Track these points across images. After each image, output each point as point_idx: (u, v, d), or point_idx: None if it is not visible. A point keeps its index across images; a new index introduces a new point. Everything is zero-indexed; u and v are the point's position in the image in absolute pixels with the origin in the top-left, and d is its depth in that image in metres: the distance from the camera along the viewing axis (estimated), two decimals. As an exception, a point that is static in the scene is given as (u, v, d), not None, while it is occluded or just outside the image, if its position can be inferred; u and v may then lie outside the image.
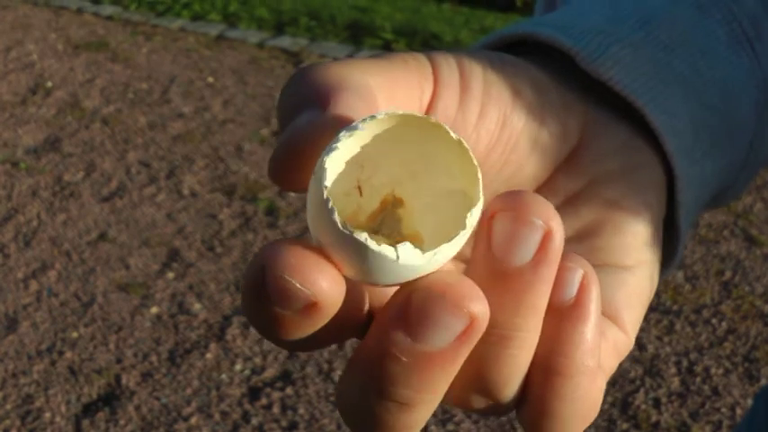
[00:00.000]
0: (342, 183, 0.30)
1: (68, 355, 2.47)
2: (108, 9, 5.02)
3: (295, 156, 0.30)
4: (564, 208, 0.38)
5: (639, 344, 2.46)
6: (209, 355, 2.45)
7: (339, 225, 0.27)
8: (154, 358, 2.45)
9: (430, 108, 0.35)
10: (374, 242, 0.27)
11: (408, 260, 0.27)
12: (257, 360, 2.42)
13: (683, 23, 0.43)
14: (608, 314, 0.36)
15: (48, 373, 2.41)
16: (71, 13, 4.98)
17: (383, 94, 0.33)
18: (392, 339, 0.28)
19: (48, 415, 2.28)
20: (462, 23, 4.64)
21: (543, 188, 0.39)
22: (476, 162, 0.29)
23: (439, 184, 0.31)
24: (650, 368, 2.39)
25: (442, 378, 0.29)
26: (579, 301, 0.30)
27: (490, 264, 0.29)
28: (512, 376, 0.31)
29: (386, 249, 0.27)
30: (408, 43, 4.37)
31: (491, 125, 0.36)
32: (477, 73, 0.37)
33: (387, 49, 4.33)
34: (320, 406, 2.26)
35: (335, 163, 0.29)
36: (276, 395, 2.32)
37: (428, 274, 0.28)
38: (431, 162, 0.31)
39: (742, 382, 2.34)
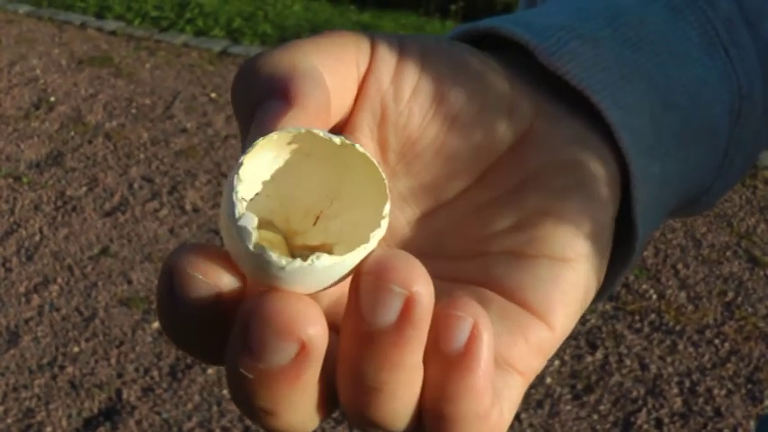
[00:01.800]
0: (308, 200, 0.32)
1: (69, 369, 2.46)
2: (112, 24, 5.03)
3: None
4: (508, 196, 0.37)
5: (642, 363, 2.46)
6: (210, 371, 2.45)
7: (248, 243, 0.28)
8: (155, 373, 2.45)
9: (364, 81, 0.36)
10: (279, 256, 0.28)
11: (293, 269, 0.28)
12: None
13: (654, 23, 0.42)
14: (537, 310, 0.35)
15: (49, 387, 2.40)
16: (75, 28, 4.99)
17: (327, 71, 0.33)
18: (239, 358, 0.29)
19: (48, 429, 2.28)
20: (465, 42, 4.65)
21: (487, 175, 0.38)
22: (368, 154, 0.30)
23: (350, 195, 0.32)
24: (652, 388, 2.38)
25: (294, 392, 0.30)
26: (468, 351, 0.30)
27: (356, 320, 0.29)
28: (393, 419, 0.31)
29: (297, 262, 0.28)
30: (411, 61, 4.38)
31: (426, 102, 0.36)
32: (417, 50, 0.36)
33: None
34: (321, 423, 2.25)
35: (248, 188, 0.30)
36: (277, 412, 2.31)
37: (269, 296, 0.29)
38: (333, 173, 0.32)
39: (745, 403, 2.33)
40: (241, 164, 0.29)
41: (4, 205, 3.25)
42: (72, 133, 3.78)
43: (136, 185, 3.37)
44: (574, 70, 0.39)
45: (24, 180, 3.41)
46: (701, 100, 0.42)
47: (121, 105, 4.04)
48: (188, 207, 3.21)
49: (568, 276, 0.36)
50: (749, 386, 2.39)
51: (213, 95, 4.13)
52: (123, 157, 3.58)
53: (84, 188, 3.35)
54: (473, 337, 0.30)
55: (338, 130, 0.36)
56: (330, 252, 0.31)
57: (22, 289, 2.78)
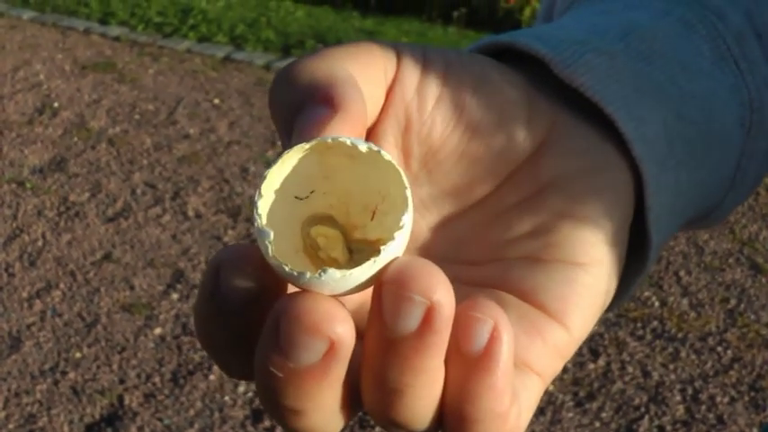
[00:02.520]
0: (365, 196, 0.33)
1: (71, 375, 2.46)
2: (115, 30, 5.04)
3: None
4: (525, 203, 0.38)
5: (644, 371, 2.46)
6: (212, 377, 2.45)
7: (269, 250, 0.30)
8: (157, 379, 2.45)
9: (390, 90, 0.37)
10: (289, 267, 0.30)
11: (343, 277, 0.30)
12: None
13: (666, 37, 0.43)
14: (553, 311, 0.36)
15: (51, 392, 2.40)
16: (78, 34, 5.00)
17: (359, 80, 0.34)
18: (269, 357, 0.30)
19: (50, 435, 2.28)
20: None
21: (505, 182, 0.39)
22: (394, 162, 0.31)
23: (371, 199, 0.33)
24: (655, 395, 2.38)
25: (321, 391, 0.31)
26: (488, 353, 0.31)
27: (379, 326, 0.30)
28: (415, 419, 0.32)
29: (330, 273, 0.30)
30: (414, 67, 4.38)
31: (448, 111, 0.37)
32: (440, 61, 0.37)
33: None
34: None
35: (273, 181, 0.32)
36: (279, 418, 2.31)
37: (299, 296, 0.30)
38: (360, 180, 0.33)
39: (747, 410, 2.33)
40: (264, 177, 0.31)
41: (8, 210, 3.25)
42: (75, 139, 3.79)
43: (138, 191, 3.37)
44: (588, 82, 0.40)
45: (27, 185, 3.41)
46: (712, 112, 0.43)
47: (125, 111, 4.04)
48: (190, 213, 3.22)
49: (584, 280, 0.37)
50: (752, 394, 2.39)
51: (216, 101, 4.13)
52: (126, 162, 3.59)
53: (87, 194, 3.36)
54: (493, 339, 0.31)
55: (365, 136, 0.37)
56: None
57: (24, 294, 2.79)
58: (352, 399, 0.33)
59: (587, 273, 0.37)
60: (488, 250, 0.38)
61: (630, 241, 0.39)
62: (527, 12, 4.98)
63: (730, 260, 2.93)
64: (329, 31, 4.88)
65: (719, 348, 2.54)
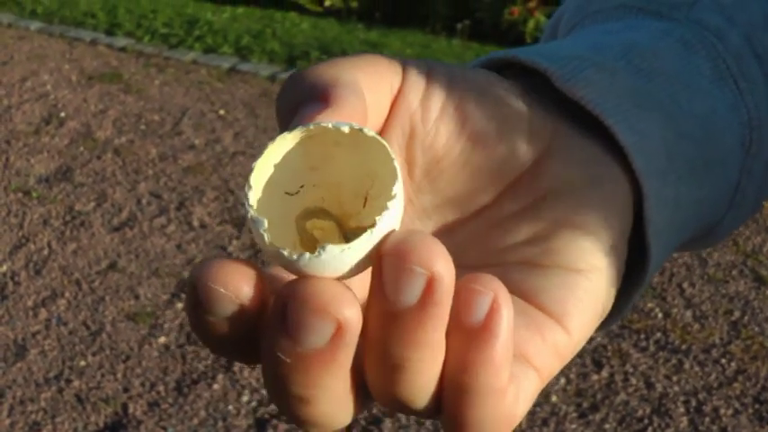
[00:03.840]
0: (355, 183, 0.33)
1: (76, 383, 2.47)
2: (122, 41, 5.06)
3: None
4: (525, 211, 0.39)
5: (648, 382, 2.46)
6: (216, 386, 2.45)
7: (265, 236, 0.30)
8: (161, 388, 2.45)
9: (395, 101, 0.37)
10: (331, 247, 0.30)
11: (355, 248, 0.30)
12: (264, 391, 2.42)
13: (667, 56, 0.44)
14: (554, 314, 0.36)
15: (55, 400, 2.41)
16: (85, 45, 5.02)
17: (365, 87, 0.35)
18: (276, 342, 0.30)
19: (54, 443, 2.28)
20: (472, 59, 4.64)
21: (506, 191, 0.39)
22: (378, 137, 0.31)
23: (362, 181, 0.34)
24: (658, 407, 2.38)
25: (329, 376, 0.31)
26: (487, 325, 0.31)
27: (380, 300, 0.30)
28: (417, 395, 0.32)
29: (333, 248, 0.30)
30: (419, 79, 4.39)
31: (451, 122, 0.38)
32: (444, 74, 0.38)
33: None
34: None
35: (260, 183, 0.32)
36: (283, 427, 2.31)
37: (305, 280, 0.30)
38: (352, 165, 0.33)
39: (752, 423, 2.33)
40: (252, 170, 0.31)
41: (14, 219, 3.26)
42: (81, 149, 3.80)
43: (144, 201, 3.38)
44: (589, 96, 0.40)
45: (34, 195, 3.43)
46: (712, 131, 0.43)
47: (130, 121, 4.06)
48: (195, 223, 3.22)
49: (583, 284, 0.37)
50: (756, 406, 2.39)
51: (222, 112, 4.15)
52: (132, 172, 3.60)
53: (93, 203, 3.37)
54: (493, 311, 0.31)
55: None
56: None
57: (29, 303, 2.79)
58: (360, 387, 0.33)
59: (587, 278, 0.37)
60: (488, 256, 0.39)
61: (631, 255, 0.40)
62: (531, 24, 5.00)
63: (734, 272, 2.93)
64: (334, 42, 4.90)
65: (723, 360, 2.54)
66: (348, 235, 0.33)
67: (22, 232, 3.18)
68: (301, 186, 0.33)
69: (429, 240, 0.30)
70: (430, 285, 0.30)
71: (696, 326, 2.68)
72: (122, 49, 4.96)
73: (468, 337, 0.32)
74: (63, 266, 2.98)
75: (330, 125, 0.31)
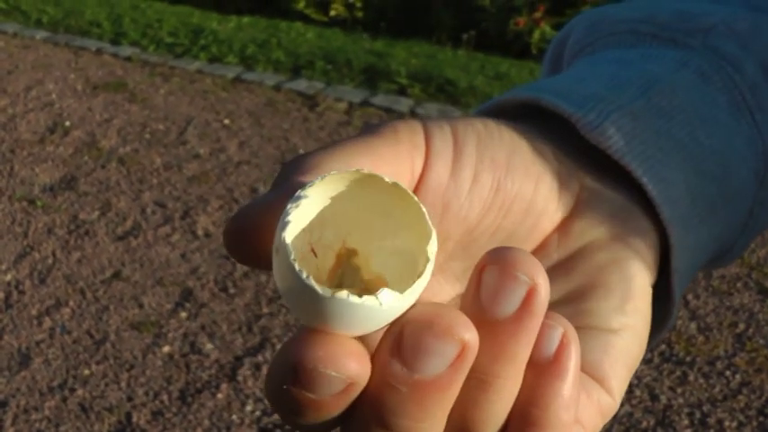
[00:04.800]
0: (296, 249, 0.31)
1: (80, 392, 2.47)
2: (127, 50, 5.07)
3: (240, 233, 0.32)
4: (555, 271, 0.39)
5: (652, 394, 2.45)
6: (220, 396, 2.45)
7: (319, 291, 0.28)
8: (165, 397, 2.45)
9: (421, 178, 0.37)
10: (355, 296, 0.28)
11: (390, 303, 0.29)
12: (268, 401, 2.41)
13: (685, 90, 0.44)
14: (594, 376, 0.37)
15: (59, 409, 2.41)
16: (91, 54, 5.03)
17: None
18: (390, 372, 0.29)
19: (58, 452, 2.28)
20: (477, 69, 4.67)
21: (536, 252, 0.39)
22: (416, 198, 0.31)
23: (385, 229, 0.32)
24: (662, 419, 2.38)
25: (440, 406, 0.30)
26: (558, 358, 0.32)
27: (477, 312, 0.30)
28: (489, 421, 0.32)
29: (369, 300, 0.28)
30: (423, 88, 4.40)
31: (484, 192, 0.37)
32: (471, 139, 0.38)
33: (402, 94, 4.36)
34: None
35: (293, 233, 0.30)
36: (287, 437, 2.31)
37: (411, 308, 0.30)
38: (376, 212, 0.32)
39: (755, 434, 2.33)
40: (288, 222, 0.30)
41: (18, 228, 3.27)
42: (86, 158, 3.80)
43: (148, 210, 3.38)
44: (615, 145, 0.40)
45: (38, 203, 3.43)
46: (729, 165, 0.44)
47: (135, 131, 4.06)
48: (200, 232, 3.22)
49: (617, 345, 0.37)
50: (761, 419, 2.38)
51: (226, 122, 4.15)
52: (136, 181, 3.60)
53: (97, 212, 3.37)
54: (563, 346, 0.32)
55: None
56: (346, 250, 0.32)
57: (34, 311, 2.79)
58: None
59: (621, 338, 0.37)
60: None
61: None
62: (536, 35, 5.00)
63: (738, 284, 2.92)
64: (339, 52, 4.90)
65: (728, 373, 2.54)
66: (333, 286, 0.32)
67: (27, 241, 3.18)
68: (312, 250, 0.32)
69: (529, 255, 0.30)
70: (531, 294, 0.30)
71: (701, 338, 2.67)
72: (127, 59, 4.97)
73: (538, 370, 0.32)
74: (67, 275, 2.98)
75: (338, 173, 0.30)
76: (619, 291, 0.38)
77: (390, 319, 0.30)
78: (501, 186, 0.38)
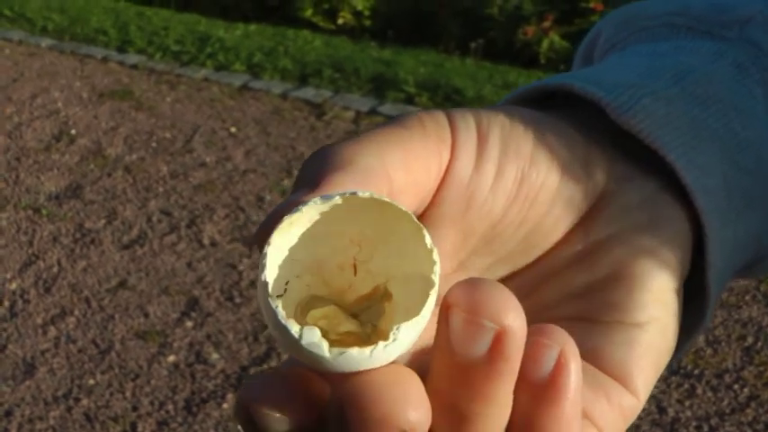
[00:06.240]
0: (337, 255, 0.31)
1: (85, 401, 2.46)
2: (133, 58, 5.07)
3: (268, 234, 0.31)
4: (579, 262, 0.37)
5: (660, 407, 2.44)
6: (225, 405, 2.44)
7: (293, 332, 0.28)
8: (170, 407, 2.44)
9: (447, 173, 0.35)
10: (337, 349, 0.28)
11: (347, 359, 0.28)
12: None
13: (721, 81, 0.42)
14: (616, 375, 0.35)
15: (64, 419, 2.40)
16: (96, 62, 5.04)
17: (399, 169, 0.33)
18: None
19: (62, 463, 2.28)
20: (485, 78, 4.67)
21: (561, 242, 0.38)
22: (430, 246, 0.29)
23: (413, 270, 0.31)
24: (670, 432, 2.37)
25: None
26: (554, 381, 0.30)
27: (447, 352, 0.29)
28: None
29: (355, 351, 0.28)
30: (431, 97, 4.40)
31: (508, 184, 0.36)
32: (495, 131, 0.36)
33: (409, 102, 4.36)
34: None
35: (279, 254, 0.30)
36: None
37: (370, 375, 0.28)
38: (401, 247, 0.31)
39: (764, 448, 2.31)
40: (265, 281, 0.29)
41: (23, 237, 3.26)
42: (92, 166, 3.80)
43: (154, 219, 3.38)
44: (647, 129, 0.38)
45: (43, 212, 3.43)
46: (764, 158, 0.42)
47: (141, 139, 4.06)
48: (206, 241, 3.22)
49: (643, 340, 0.35)
50: (768, 432, 2.37)
51: (233, 130, 4.15)
52: (142, 190, 3.60)
53: (103, 221, 3.37)
54: (559, 367, 0.30)
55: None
56: (385, 290, 0.31)
57: (39, 320, 2.79)
58: None
59: (646, 332, 0.36)
60: (542, 310, 0.37)
61: (684, 294, 0.38)
62: (544, 44, 5.00)
63: (747, 297, 2.91)
64: (347, 60, 4.90)
65: (736, 386, 2.53)
66: (354, 310, 0.31)
67: (32, 250, 3.18)
68: (286, 284, 0.31)
69: (500, 290, 0.28)
70: (499, 339, 0.28)
71: (709, 351, 2.66)
72: (134, 66, 4.97)
73: (534, 392, 0.30)
74: (72, 284, 2.97)
75: (318, 201, 0.29)
76: (644, 283, 0.36)
77: (357, 368, 0.29)
78: (525, 178, 0.36)
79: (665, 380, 2.54)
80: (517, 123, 0.37)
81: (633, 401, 0.35)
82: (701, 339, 2.70)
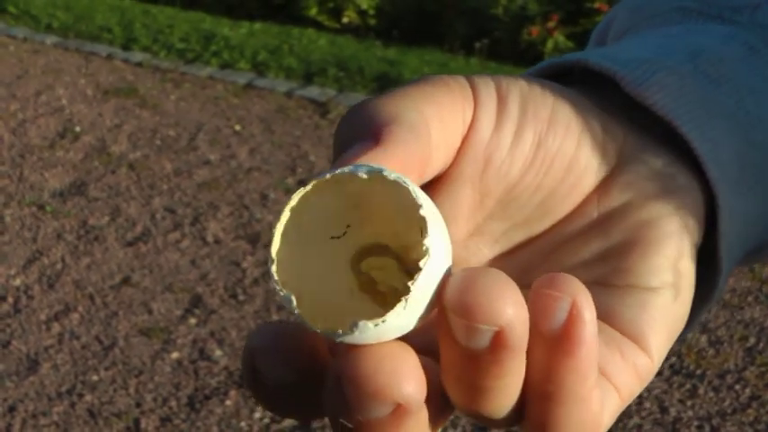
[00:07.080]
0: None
1: (88, 397, 2.47)
2: (138, 56, 5.08)
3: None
4: (594, 229, 0.38)
5: (662, 407, 2.44)
6: (228, 402, 2.45)
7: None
8: (173, 403, 2.45)
9: (470, 130, 0.36)
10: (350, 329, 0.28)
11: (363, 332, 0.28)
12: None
13: (733, 60, 0.43)
14: (631, 335, 0.35)
15: (67, 415, 2.40)
16: (101, 59, 5.04)
17: (435, 122, 0.34)
18: (336, 412, 0.29)
19: (65, 458, 2.28)
20: (489, 80, 4.66)
21: (576, 209, 0.38)
22: (402, 180, 0.29)
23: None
24: (672, 432, 2.37)
25: None
26: (567, 333, 0.30)
27: (451, 342, 0.29)
28: (500, 411, 0.31)
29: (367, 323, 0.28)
30: (435, 98, 4.39)
31: (525, 147, 0.37)
32: (515, 95, 0.37)
33: (413, 103, 4.35)
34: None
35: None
36: (295, 446, 2.31)
37: (361, 353, 0.29)
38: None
39: (765, 449, 2.32)
40: (275, 232, 0.30)
41: (27, 233, 3.27)
42: (96, 163, 3.81)
43: (158, 216, 3.38)
44: (661, 101, 0.39)
45: (48, 209, 3.43)
46: None
47: (146, 136, 4.07)
48: (209, 238, 3.22)
49: (656, 303, 0.36)
50: (770, 432, 2.37)
51: (237, 128, 4.15)
52: (146, 187, 3.60)
53: (107, 218, 3.37)
54: (573, 317, 0.30)
55: (437, 180, 0.36)
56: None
57: (42, 317, 2.80)
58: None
59: (660, 296, 0.36)
60: None
61: (697, 269, 0.39)
62: (549, 44, 5.00)
63: (749, 298, 2.91)
64: (351, 59, 4.91)
65: (738, 386, 2.53)
66: (411, 269, 0.30)
67: (36, 246, 3.19)
68: (348, 226, 0.31)
69: (493, 285, 0.28)
70: (499, 336, 0.28)
71: (711, 351, 2.66)
72: (138, 64, 4.98)
73: (549, 345, 0.30)
74: (76, 281, 2.98)
75: (347, 170, 0.29)
76: (658, 249, 0.37)
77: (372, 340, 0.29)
78: (542, 142, 0.37)
79: (667, 380, 2.54)
80: (536, 89, 0.38)
81: (647, 361, 0.35)
82: (703, 340, 2.70)
